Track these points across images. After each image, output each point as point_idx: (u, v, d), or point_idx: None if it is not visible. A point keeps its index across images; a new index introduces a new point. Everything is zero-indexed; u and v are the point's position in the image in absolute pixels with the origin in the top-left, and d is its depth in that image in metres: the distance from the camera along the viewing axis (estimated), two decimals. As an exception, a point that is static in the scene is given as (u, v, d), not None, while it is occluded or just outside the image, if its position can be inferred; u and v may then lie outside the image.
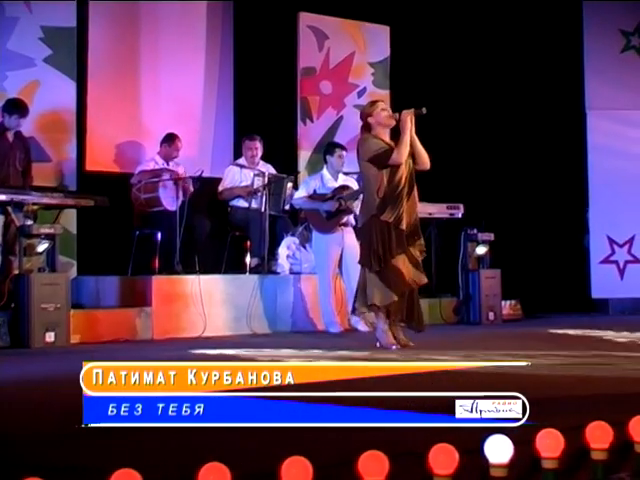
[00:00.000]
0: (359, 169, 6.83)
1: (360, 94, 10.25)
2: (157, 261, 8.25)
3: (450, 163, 10.24)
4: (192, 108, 9.49)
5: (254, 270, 8.46)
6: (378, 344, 6.43)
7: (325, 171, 8.34)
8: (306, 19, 10.04)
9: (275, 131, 9.79)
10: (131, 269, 8.22)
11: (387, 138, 6.53)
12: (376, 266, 6.35)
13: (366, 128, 6.59)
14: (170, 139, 8.62)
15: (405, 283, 6.37)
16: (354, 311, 6.83)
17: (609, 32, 10.64)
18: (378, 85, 10.45)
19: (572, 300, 10.46)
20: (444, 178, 9.92)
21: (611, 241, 10.55)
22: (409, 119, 6.41)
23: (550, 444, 2.57)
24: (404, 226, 6.34)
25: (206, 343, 7.01)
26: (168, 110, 9.23)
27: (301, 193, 8.37)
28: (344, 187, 8.19)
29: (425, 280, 6.53)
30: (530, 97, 10.60)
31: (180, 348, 6.50)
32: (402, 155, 6.32)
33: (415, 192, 6.48)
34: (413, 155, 6.48)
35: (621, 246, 10.55)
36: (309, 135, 10.05)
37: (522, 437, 2.66)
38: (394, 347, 6.36)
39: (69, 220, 8.24)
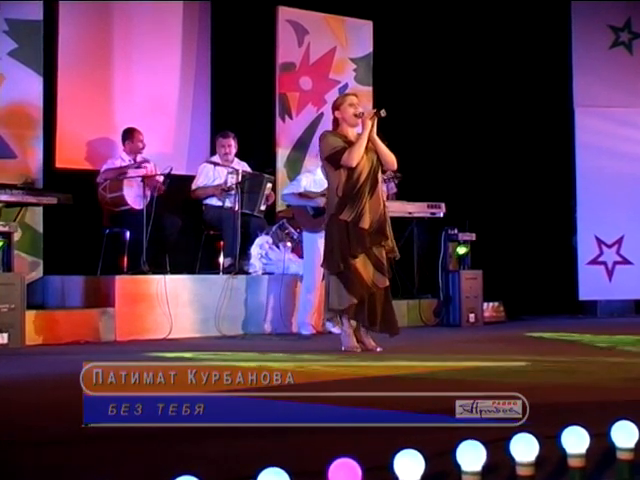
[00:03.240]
0: (321, 167, 6.61)
1: (341, 90, 9.97)
2: (125, 261, 8.05)
3: (433, 161, 10.03)
4: (167, 104, 9.27)
5: (227, 270, 8.23)
6: (343, 347, 6.23)
7: (319, 170, 8.13)
8: (285, 13, 9.80)
9: (253, 128, 9.58)
10: (100, 269, 8.01)
11: (352, 135, 6.28)
12: (336, 268, 6.14)
13: (334, 122, 6.38)
14: (129, 134, 8.45)
15: (364, 286, 6.13)
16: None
17: (598, 28, 10.39)
18: (360, 81, 10.21)
19: (559, 302, 10.20)
20: (426, 176, 9.72)
21: (599, 241, 10.29)
22: (368, 121, 6.17)
23: (575, 441, 2.45)
24: (365, 224, 6.10)
25: (169, 345, 6.82)
26: (142, 106, 9.02)
27: (292, 189, 8.17)
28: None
29: (386, 283, 6.25)
30: (517, 94, 10.34)
31: (136, 350, 6.30)
32: (353, 158, 6.09)
33: (379, 189, 6.25)
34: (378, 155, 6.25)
35: (609, 247, 10.30)
36: (288, 132, 9.81)
37: (548, 434, 2.54)
38: (357, 350, 6.15)
39: (35, 218, 8.05)
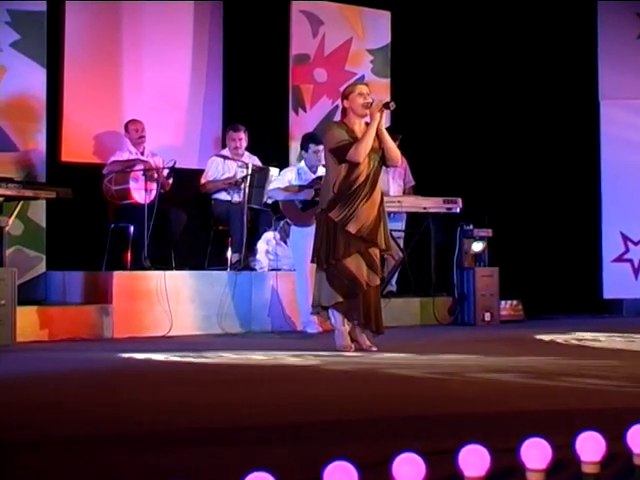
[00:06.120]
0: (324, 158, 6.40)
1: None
2: (129, 256, 7.89)
3: (451, 155, 9.77)
4: (178, 97, 9.10)
5: (234, 266, 8.03)
6: (336, 346, 6.03)
7: (303, 163, 7.91)
8: (299, 4, 9.58)
9: (266, 121, 9.37)
10: (105, 264, 7.86)
11: (359, 127, 6.04)
12: (321, 264, 5.92)
13: (342, 112, 6.16)
14: (125, 126, 8.35)
15: (355, 284, 5.90)
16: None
17: (625, 16, 10.04)
18: (377, 73, 9.96)
19: (582, 301, 9.87)
20: (443, 170, 9.47)
21: (625, 238, 9.95)
22: (377, 113, 5.93)
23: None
24: (353, 229, 5.88)
25: (168, 342, 6.67)
26: (151, 99, 8.86)
27: (276, 184, 7.94)
28: (321, 178, 7.72)
29: (378, 282, 6.05)
30: (540, 86, 10.03)
31: (131, 349, 6.13)
32: (360, 154, 5.85)
33: (376, 194, 5.99)
34: (382, 151, 6.00)
35: (636, 244, 9.96)
36: (301, 125, 9.56)
37: (615, 433, 2.48)
38: (350, 350, 5.93)
39: (38, 213, 7.91)
